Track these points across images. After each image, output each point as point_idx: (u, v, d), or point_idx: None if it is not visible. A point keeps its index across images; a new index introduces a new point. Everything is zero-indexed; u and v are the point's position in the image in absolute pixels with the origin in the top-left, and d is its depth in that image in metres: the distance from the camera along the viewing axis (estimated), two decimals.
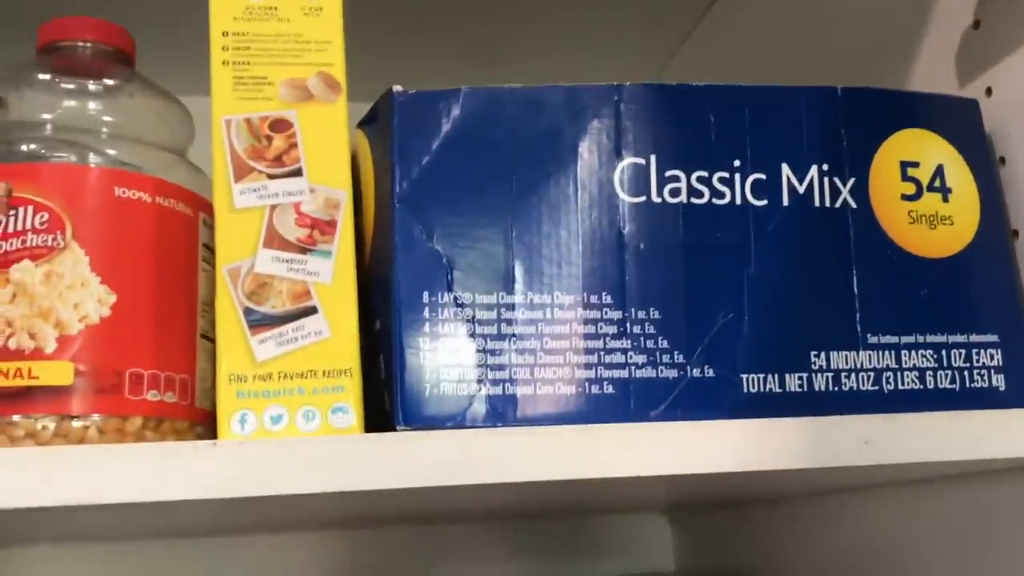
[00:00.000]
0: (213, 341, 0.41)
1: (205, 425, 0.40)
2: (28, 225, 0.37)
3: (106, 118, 0.42)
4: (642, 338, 0.36)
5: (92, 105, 0.42)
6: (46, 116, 0.41)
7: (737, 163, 0.38)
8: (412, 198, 0.36)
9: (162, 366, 0.38)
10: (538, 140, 0.37)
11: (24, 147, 0.40)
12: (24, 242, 0.37)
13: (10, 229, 0.37)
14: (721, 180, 0.38)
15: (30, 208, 0.37)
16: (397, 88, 0.37)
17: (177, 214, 0.40)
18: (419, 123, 0.37)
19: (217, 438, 0.34)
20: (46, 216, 0.37)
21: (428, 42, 0.76)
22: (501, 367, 0.35)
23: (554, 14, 0.73)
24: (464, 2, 0.70)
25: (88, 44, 0.44)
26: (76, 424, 0.36)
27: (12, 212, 0.37)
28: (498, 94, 0.37)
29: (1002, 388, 0.40)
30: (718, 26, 0.72)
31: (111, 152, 0.41)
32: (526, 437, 0.31)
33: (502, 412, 0.35)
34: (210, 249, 0.42)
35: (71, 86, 0.42)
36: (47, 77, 0.43)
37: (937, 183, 0.40)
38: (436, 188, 0.36)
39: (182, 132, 0.45)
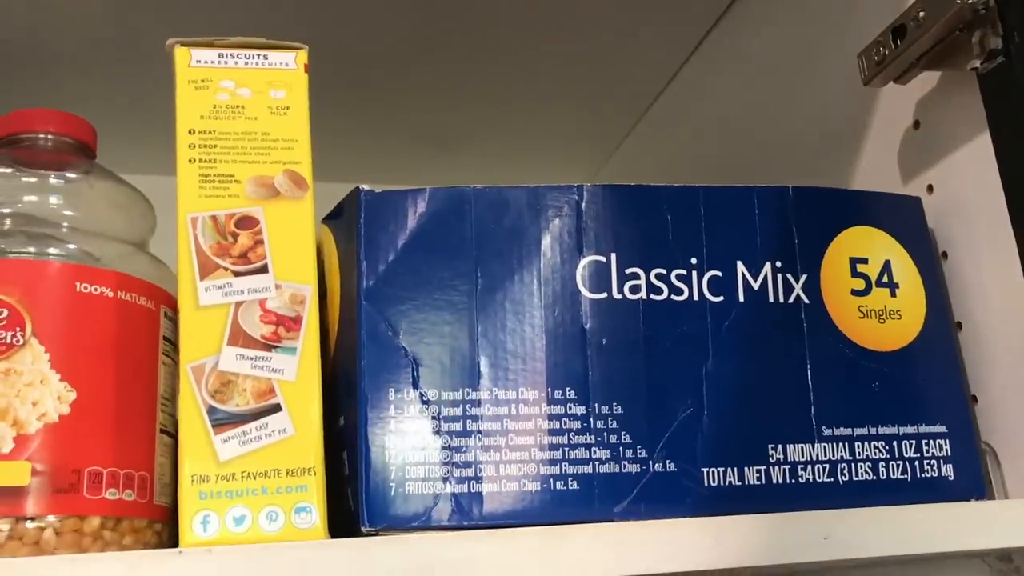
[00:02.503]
0: (172, 436, 0.41)
1: (163, 522, 0.39)
2: None
3: (67, 212, 0.42)
4: (605, 433, 0.37)
5: (53, 199, 0.42)
6: (5, 210, 0.41)
7: (694, 260, 0.39)
8: (378, 294, 0.37)
9: (121, 463, 0.38)
10: (502, 237, 0.38)
11: None
12: None
13: None
14: (679, 277, 0.39)
15: None
16: (364, 187, 0.38)
17: (138, 308, 0.40)
18: (385, 220, 0.37)
19: (178, 540, 0.34)
20: (5, 312, 0.37)
21: (385, 128, 0.77)
22: (467, 464, 0.35)
23: (506, 104, 0.75)
24: (419, 93, 0.71)
25: (49, 136, 0.44)
26: (31, 526, 0.35)
27: None
28: (462, 193, 0.38)
29: (951, 477, 0.41)
30: (664, 115, 0.75)
31: (71, 246, 0.41)
32: (493, 542, 0.31)
33: (468, 510, 0.35)
34: (171, 342, 0.42)
35: (32, 179, 0.42)
36: (8, 170, 0.42)
37: (885, 278, 0.42)
38: (402, 285, 0.37)
39: (142, 223, 0.45)
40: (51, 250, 0.40)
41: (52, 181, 0.42)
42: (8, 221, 0.41)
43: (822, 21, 0.54)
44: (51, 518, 0.36)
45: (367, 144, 0.79)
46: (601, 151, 0.85)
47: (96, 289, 0.39)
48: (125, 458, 0.38)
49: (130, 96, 0.68)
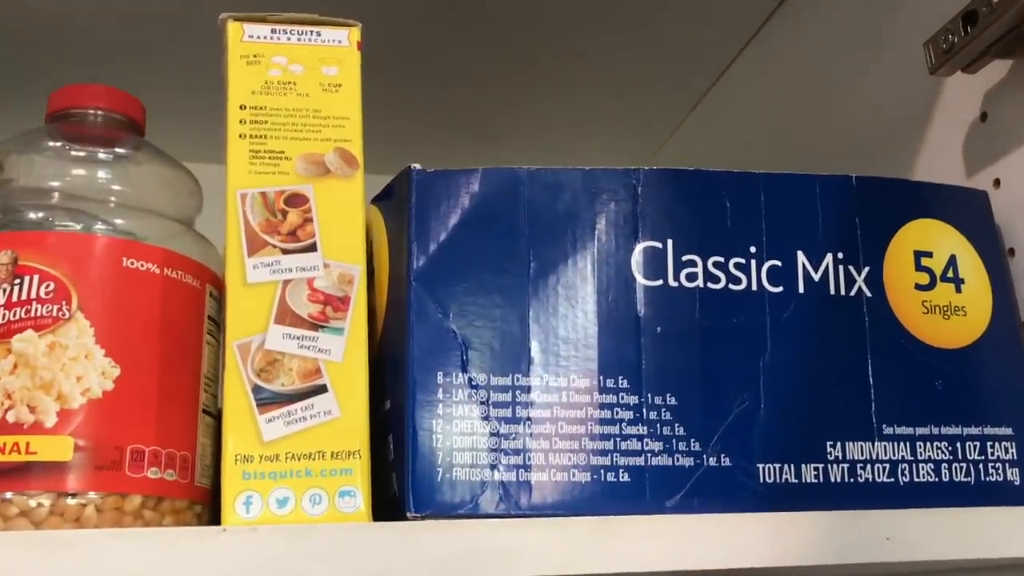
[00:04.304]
0: (214, 417, 0.41)
1: (204, 504, 0.39)
2: (33, 294, 0.36)
3: (114, 187, 0.41)
4: (659, 424, 0.36)
5: (101, 174, 0.42)
6: (54, 184, 0.40)
7: (753, 249, 0.38)
8: (428, 276, 0.36)
9: (163, 442, 0.37)
10: (556, 221, 0.37)
11: (31, 215, 0.39)
12: (28, 311, 0.36)
13: (14, 298, 0.36)
14: (737, 266, 0.38)
15: (36, 277, 0.37)
16: (416, 166, 0.37)
17: (184, 286, 0.40)
18: (437, 201, 0.36)
19: (220, 520, 0.33)
20: (52, 285, 0.37)
21: (431, 117, 0.77)
22: (515, 452, 0.34)
23: (554, 95, 0.74)
24: (466, 81, 0.71)
25: (99, 112, 0.43)
26: (73, 502, 0.35)
27: (17, 280, 0.37)
28: (516, 174, 0.37)
29: (1017, 482, 0.39)
30: (717, 106, 0.73)
31: (118, 221, 0.40)
32: (543, 529, 0.30)
33: (515, 499, 0.34)
34: (215, 322, 0.41)
35: (80, 154, 0.42)
36: (57, 144, 0.42)
37: (950, 273, 0.40)
38: (453, 267, 0.36)
39: (190, 201, 0.44)
40: (98, 225, 0.39)
41: (101, 156, 0.42)
42: (56, 195, 0.40)
43: (883, 8, 0.53)
44: (93, 495, 0.35)
45: (412, 131, 0.78)
46: (651, 142, 0.84)
47: (143, 265, 0.38)
48: (167, 437, 0.37)
49: (175, 85, 0.68)
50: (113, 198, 0.41)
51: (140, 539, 0.27)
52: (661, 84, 0.73)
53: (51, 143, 0.42)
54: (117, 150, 0.43)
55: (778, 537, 0.31)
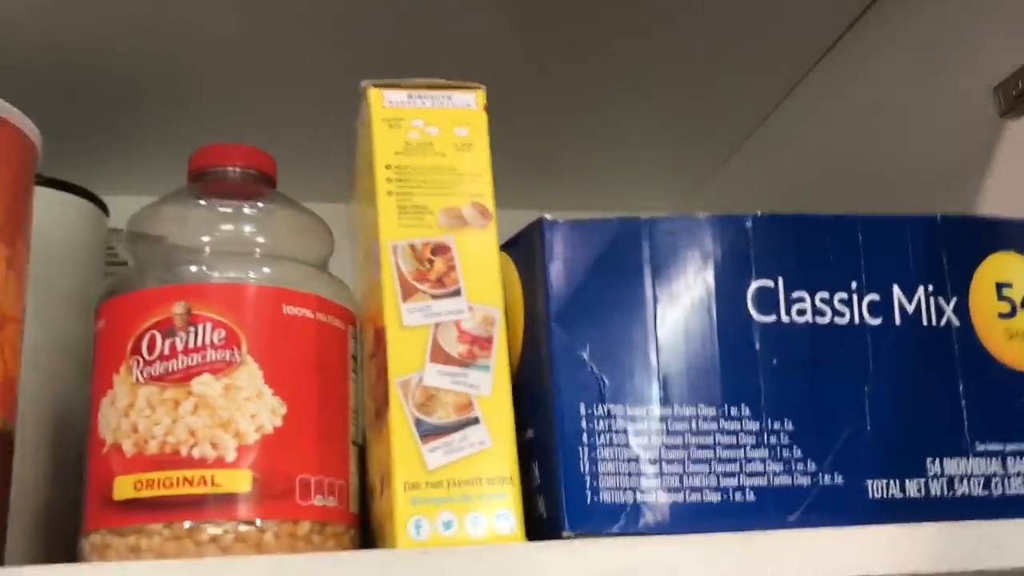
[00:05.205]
0: (360, 447, 0.44)
1: (356, 528, 0.43)
2: (207, 341, 0.40)
3: (259, 239, 0.45)
4: (778, 447, 0.39)
5: (247, 227, 0.46)
6: (205, 239, 0.44)
7: (854, 285, 0.42)
8: (566, 317, 0.40)
9: (325, 472, 0.41)
10: (677, 263, 0.41)
11: (192, 268, 0.43)
12: (204, 357, 0.40)
13: (190, 345, 0.40)
14: (840, 301, 0.42)
15: (208, 325, 0.40)
16: (547, 216, 0.41)
17: (333, 328, 0.43)
18: (568, 249, 0.40)
19: (370, 543, 0.37)
20: (223, 333, 0.40)
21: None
22: (652, 475, 0.38)
23: (610, 135, 0.78)
24: (532, 122, 0.75)
25: (237, 169, 0.47)
26: (253, 529, 0.38)
27: (192, 329, 0.40)
28: (637, 223, 0.41)
29: None
30: (765, 144, 0.77)
31: (265, 270, 0.44)
32: (695, 545, 0.34)
33: (656, 517, 0.38)
34: (355, 359, 0.45)
35: (228, 210, 0.46)
36: (204, 203, 0.46)
37: None
38: (587, 308, 0.40)
39: (323, 245, 0.48)
40: (250, 274, 0.43)
41: (246, 211, 0.46)
42: (207, 249, 0.44)
43: (946, 47, 0.57)
44: (269, 522, 0.39)
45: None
46: (696, 179, 0.88)
47: (299, 311, 0.42)
48: (328, 467, 0.41)
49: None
50: (258, 249, 0.45)
51: (357, 565, 0.31)
52: (711, 120, 0.77)
53: (200, 201, 0.46)
54: (258, 204, 0.47)
55: (901, 547, 0.35)
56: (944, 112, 0.57)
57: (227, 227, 0.45)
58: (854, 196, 0.66)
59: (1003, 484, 0.42)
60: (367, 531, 0.43)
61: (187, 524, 0.38)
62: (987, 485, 0.41)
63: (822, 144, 0.70)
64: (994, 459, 0.42)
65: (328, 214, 0.50)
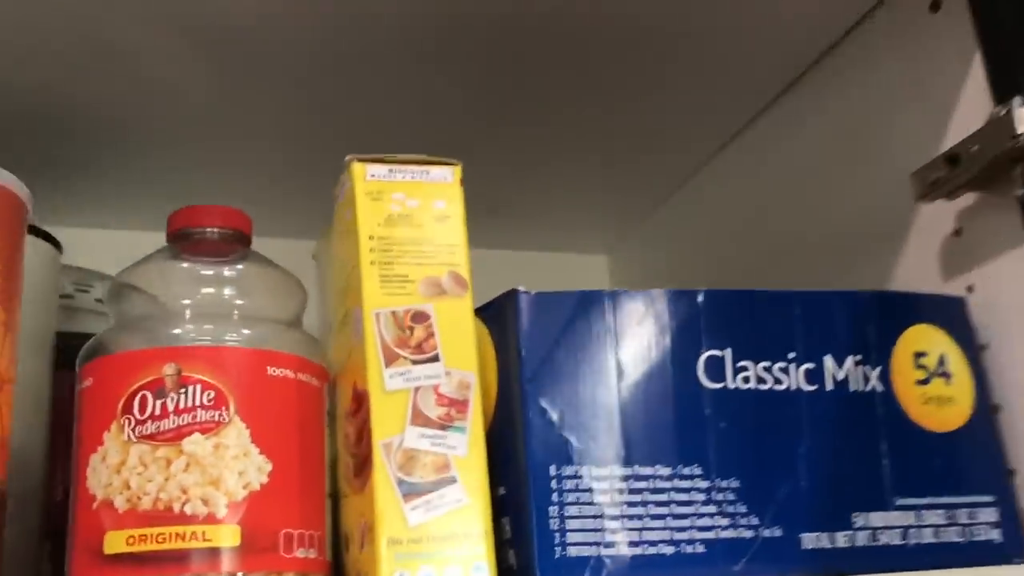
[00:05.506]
0: (334, 499, 0.47)
1: None
2: (197, 402, 0.42)
3: (238, 301, 0.47)
4: (724, 503, 0.44)
5: (227, 290, 0.48)
6: (186, 301, 0.46)
7: (791, 355, 0.46)
8: (537, 383, 0.43)
9: (306, 525, 0.43)
10: (639, 334, 0.45)
11: (176, 330, 0.45)
12: (194, 417, 0.42)
13: (181, 405, 0.42)
14: (780, 369, 0.46)
15: (198, 387, 0.43)
16: (521, 288, 0.44)
17: (311, 387, 0.46)
18: (540, 318, 0.44)
19: None
20: (212, 394, 0.43)
21: None
22: (614, 531, 0.42)
23: (549, 171, 0.82)
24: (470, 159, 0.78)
25: (216, 230, 0.49)
26: None
27: (183, 390, 0.42)
28: (601, 295, 0.45)
29: (998, 540, 0.48)
30: (690, 200, 0.82)
31: (246, 331, 0.46)
32: None
33: (618, 569, 0.41)
34: (331, 415, 0.48)
35: (209, 272, 0.48)
36: (186, 265, 0.48)
37: (941, 369, 0.49)
38: (556, 375, 0.43)
39: (298, 304, 0.50)
40: (233, 336, 0.45)
41: (226, 273, 0.48)
42: (189, 311, 0.46)
43: (868, 132, 0.62)
44: (255, 574, 0.41)
45: None
46: (622, 227, 0.93)
47: (282, 372, 0.45)
48: (308, 520, 0.44)
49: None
50: (236, 311, 0.47)
51: None
52: (643, 175, 0.82)
53: (182, 264, 0.48)
54: (237, 266, 0.49)
55: None
56: (864, 188, 0.62)
57: (208, 290, 0.47)
58: (775, 256, 0.72)
59: (917, 535, 0.47)
60: None
61: None
62: (904, 536, 0.46)
63: (745, 203, 0.76)
64: (911, 512, 0.47)
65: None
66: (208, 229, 0.49)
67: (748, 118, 0.75)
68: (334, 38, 0.61)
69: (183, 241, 0.49)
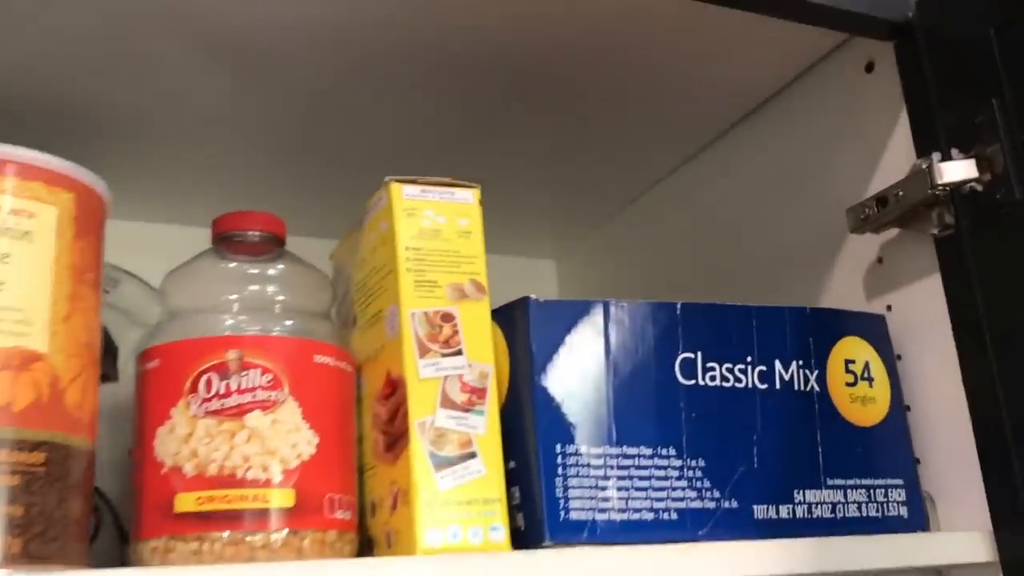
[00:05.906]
0: (360, 471, 0.54)
1: (357, 536, 0.53)
2: (257, 383, 0.49)
3: (279, 297, 0.54)
4: (693, 479, 0.53)
5: (270, 287, 0.54)
6: (232, 296, 0.53)
7: (749, 358, 0.56)
8: (546, 377, 0.51)
9: (344, 491, 0.51)
10: (628, 339, 0.53)
11: (228, 321, 0.52)
12: (254, 396, 0.49)
13: (243, 386, 0.49)
14: (739, 370, 0.56)
15: (258, 371, 0.50)
16: (532, 296, 0.53)
17: (347, 373, 0.53)
18: (549, 321, 0.52)
19: (415, 550, 0.47)
20: (270, 376, 0.50)
21: None
22: (607, 499, 0.51)
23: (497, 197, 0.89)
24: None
25: (257, 233, 0.56)
26: (295, 537, 0.48)
27: (244, 373, 0.49)
28: (600, 303, 0.54)
29: (905, 516, 0.59)
30: (643, 214, 0.92)
31: (288, 323, 0.53)
32: (648, 552, 0.47)
33: (606, 531, 0.50)
34: (359, 396, 0.55)
35: (255, 271, 0.54)
36: (232, 264, 0.55)
37: (866, 374, 0.60)
38: (563, 371, 0.52)
39: (327, 298, 0.57)
40: (276, 328, 0.52)
41: (270, 272, 0.55)
42: (236, 305, 0.53)
43: (811, 167, 0.73)
44: (306, 531, 0.48)
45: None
46: (572, 236, 1.01)
47: (325, 359, 0.52)
48: (346, 487, 0.51)
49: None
50: (278, 306, 0.54)
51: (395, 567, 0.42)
52: (593, 190, 0.91)
53: (229, 264, 0.54)
54: (278, 265, 0.56)
55: (778, 556, 0.49)
56: (801, 219, 0.73)
57: (253, 287, 0.54)
58: (715, 274, 0.82)
59: (844, 509, 0.57)
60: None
61: (243, 533, 0.47)
62: (834, 510, 0.56)
63: (690, 224, 0.86)
64: (839, 491, 0.57)
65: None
66: (250, 232, 0.56)
67: (698, 148, 0.84)
68: (332, 58, 0.68)
69: (227, 242, 0.56)
